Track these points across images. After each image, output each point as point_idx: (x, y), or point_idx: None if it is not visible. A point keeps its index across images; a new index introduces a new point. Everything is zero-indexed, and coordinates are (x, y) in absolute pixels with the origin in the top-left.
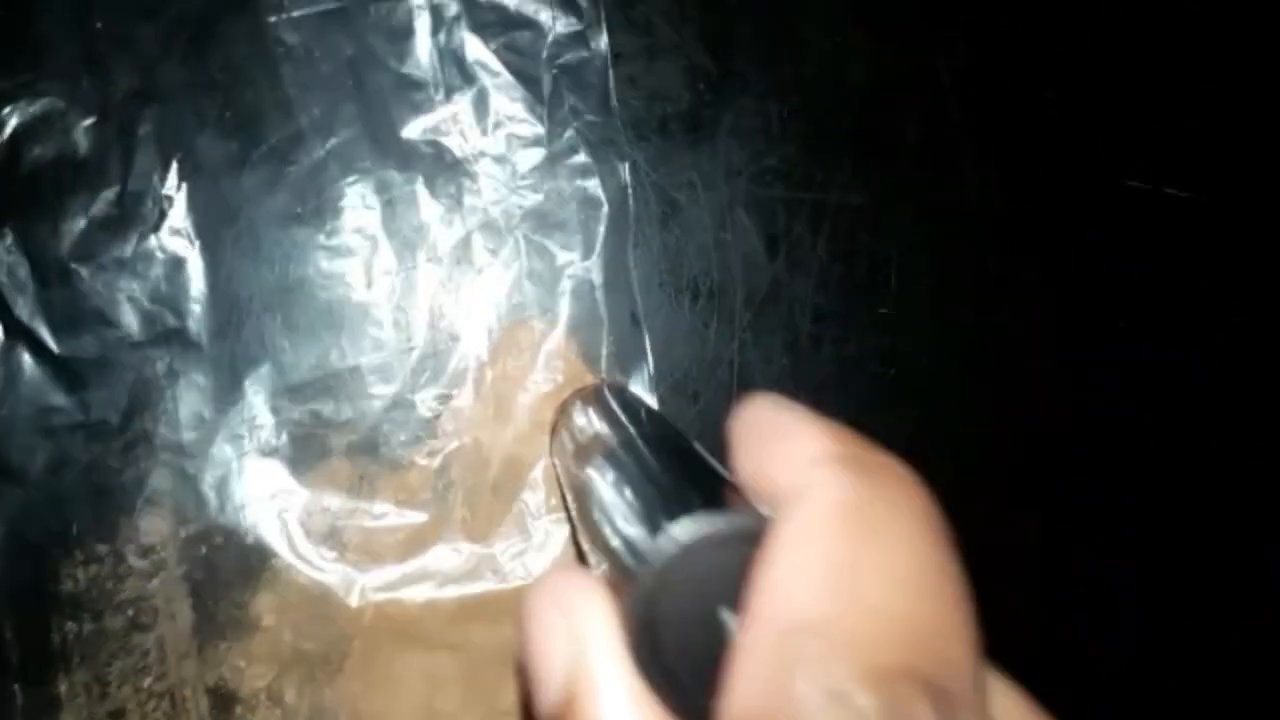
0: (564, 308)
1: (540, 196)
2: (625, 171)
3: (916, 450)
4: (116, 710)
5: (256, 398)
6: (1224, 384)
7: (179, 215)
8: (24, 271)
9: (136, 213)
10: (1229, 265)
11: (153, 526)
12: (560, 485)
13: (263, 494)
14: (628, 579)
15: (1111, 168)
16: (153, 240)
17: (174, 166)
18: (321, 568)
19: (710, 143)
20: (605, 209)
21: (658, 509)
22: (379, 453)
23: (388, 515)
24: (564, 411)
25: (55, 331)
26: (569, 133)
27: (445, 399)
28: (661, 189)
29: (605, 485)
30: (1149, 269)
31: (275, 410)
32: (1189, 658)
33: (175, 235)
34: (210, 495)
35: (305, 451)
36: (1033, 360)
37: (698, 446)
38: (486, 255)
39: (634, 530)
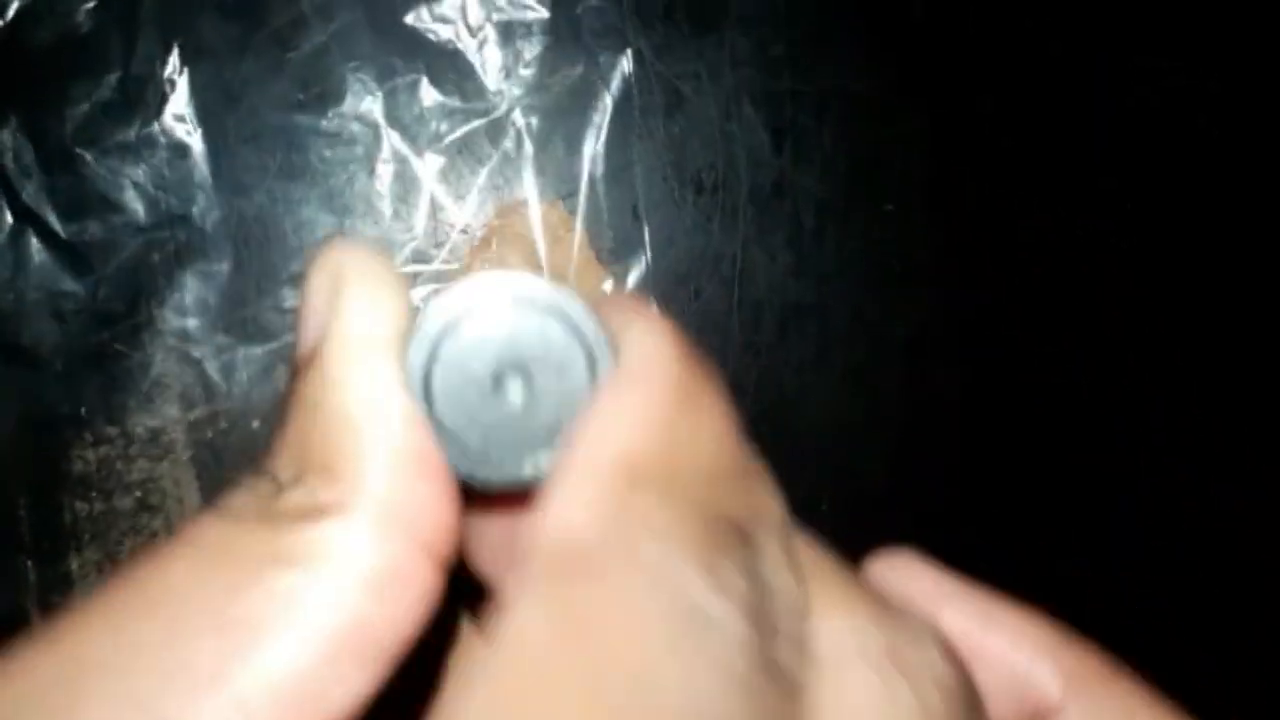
0: (565, 197)
1: (542, 85)
2: (629, 61)
3: (920, 347)
4: None
5: (261, 283)
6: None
7: (181, 100)
8: (29, 157)
9: (139, 97)
10: (1243, 151)
11: (160, 410)
12: None
13: (267, 379)
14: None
15: (1121, 47)
16: (156, 125)
17: (175, 51)
18: None
19: (716, 31)
20: (608, 99)
21: None
22: None
23: None
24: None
25: (62, 216)
26: (572, 20)
27: (444, 288)
28: (666, 79)
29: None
30: (1157, 152)
31: (278, 297)
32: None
33: (178, 121)
34: (215, 380)
35: None
36: (1043, 253)
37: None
38: (487, 145)
39: None
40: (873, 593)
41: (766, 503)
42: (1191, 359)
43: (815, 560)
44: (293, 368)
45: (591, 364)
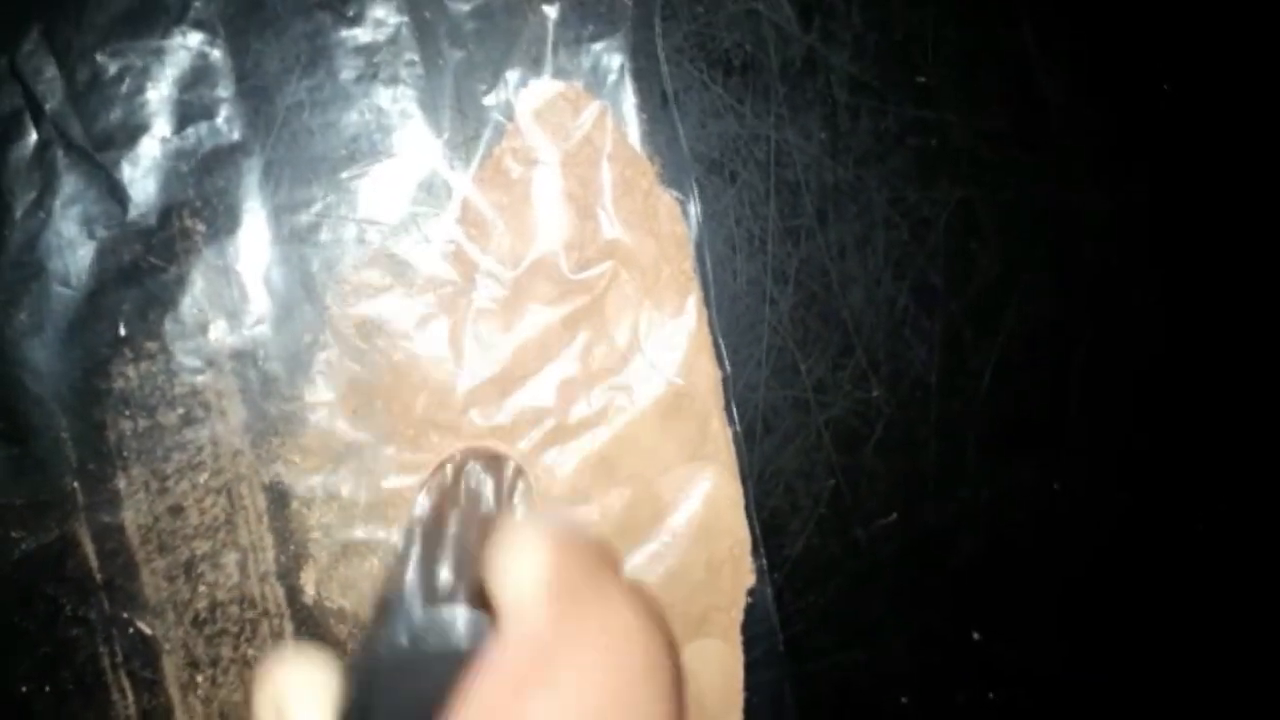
0: (592, 86)
1: None
2: None
3: (963, 228)
4: (175, 506)
5: (292, 189)
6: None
7: (202, 5)
8: (51, 70)
9: (159, 3)
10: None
11: (198, 321)
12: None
13: (305, 285)
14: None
15: None
16: (177, 32)
17: None
18: (370, 359)
19: None
20: None
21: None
22: (414, 240)
23: (429, 302)
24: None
25: (88, 130)
26: None
27: (478, 183)
28: None
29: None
30: (1201, 37)
31: (310, 201)
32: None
33: (199, 27)
34: (253, 289)
35: (343, 241)
36: (1084, 127)
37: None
38: (510, 35)
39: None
40: None
41: None
42: None
43: None
44: None
45: None
